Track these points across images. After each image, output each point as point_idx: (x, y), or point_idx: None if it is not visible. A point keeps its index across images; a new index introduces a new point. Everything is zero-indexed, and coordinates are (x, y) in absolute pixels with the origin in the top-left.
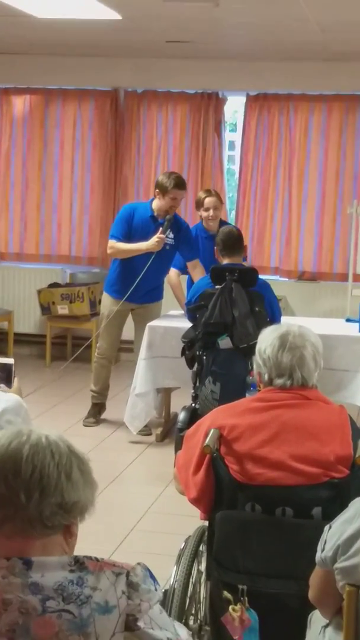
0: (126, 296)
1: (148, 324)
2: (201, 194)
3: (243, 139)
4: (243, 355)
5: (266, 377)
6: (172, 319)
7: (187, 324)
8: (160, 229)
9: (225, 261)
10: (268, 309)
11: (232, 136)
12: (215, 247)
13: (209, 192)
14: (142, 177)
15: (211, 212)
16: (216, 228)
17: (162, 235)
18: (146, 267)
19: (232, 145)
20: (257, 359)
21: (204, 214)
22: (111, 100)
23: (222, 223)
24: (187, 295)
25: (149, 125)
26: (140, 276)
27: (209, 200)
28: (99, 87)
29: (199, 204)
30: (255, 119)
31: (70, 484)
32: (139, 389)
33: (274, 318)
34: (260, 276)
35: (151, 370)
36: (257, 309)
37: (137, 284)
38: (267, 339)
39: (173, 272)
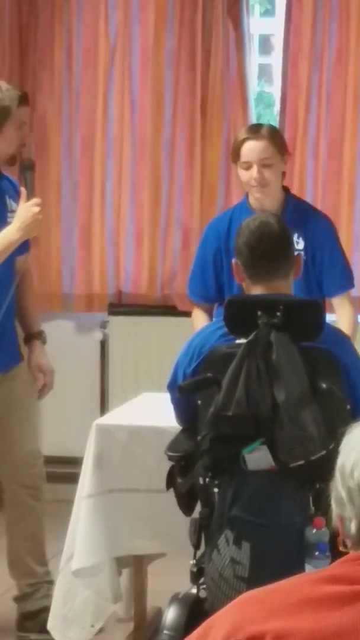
0: None
1: (96, 422)
2: (239, 135)
3: (288, 31)
4: (297, 485)
5: (353, 527)
6: (145, 410)
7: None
8: (22, 189)
9: (255, 290)
10: (346, 386)
11: (266, 25)
12: (233, 260)
13: (254, 131)
14: (78, 116)
15: (254, 172)
16: (275, 207)
17: (36, 200)
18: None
19: (265, 44)
20: (337, 489)
21: (244, 175)
22: None
23: (290, 199)
24: (175, 363)
25: (89, 5)
26: (4, 307)
27: (251, 147)
28: None
29: (234, 154)
30: None
31: None
32: (79, 561)
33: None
34: (330, 317)
35: (104, 520)
36: (323, 385)
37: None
38: (356, 449)
39: (199, 313)
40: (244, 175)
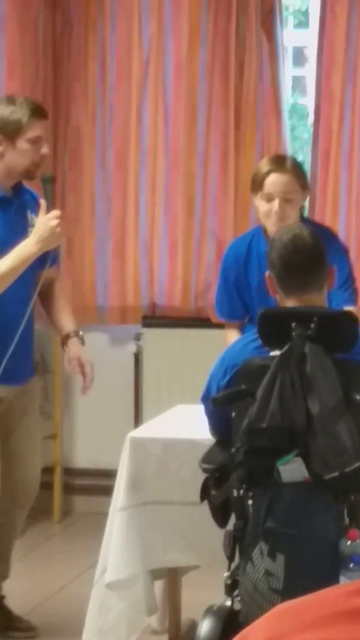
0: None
1: (130, 435)
2: (263, 165)
3: (321, 43)
4: (332, 497)
5: None
6: (179, 422)
7: (210, 436)
8: (42, 201)
9: (288, 302)
10: None
11: (300, 37)
12: (266, 273)
13: (278, 163)
14: (112, 128)
15: (275, 206)
16: None
17: (55, 213)
18: (33, 298)
19: (298, 56)
20: None
21: (263, 207)
22: None
23: (306, 224)
24: (209, 375)
25: (123, 16)
26: (24, 320)
27: (276, 180)
28: None
29: (255, 185)
30: None
31: None
32: (113, 574)
33: None
34: None
35: (138, 533)
36: (357, 397)
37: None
38: None
39: (232, 331)
40: (263, 206)
